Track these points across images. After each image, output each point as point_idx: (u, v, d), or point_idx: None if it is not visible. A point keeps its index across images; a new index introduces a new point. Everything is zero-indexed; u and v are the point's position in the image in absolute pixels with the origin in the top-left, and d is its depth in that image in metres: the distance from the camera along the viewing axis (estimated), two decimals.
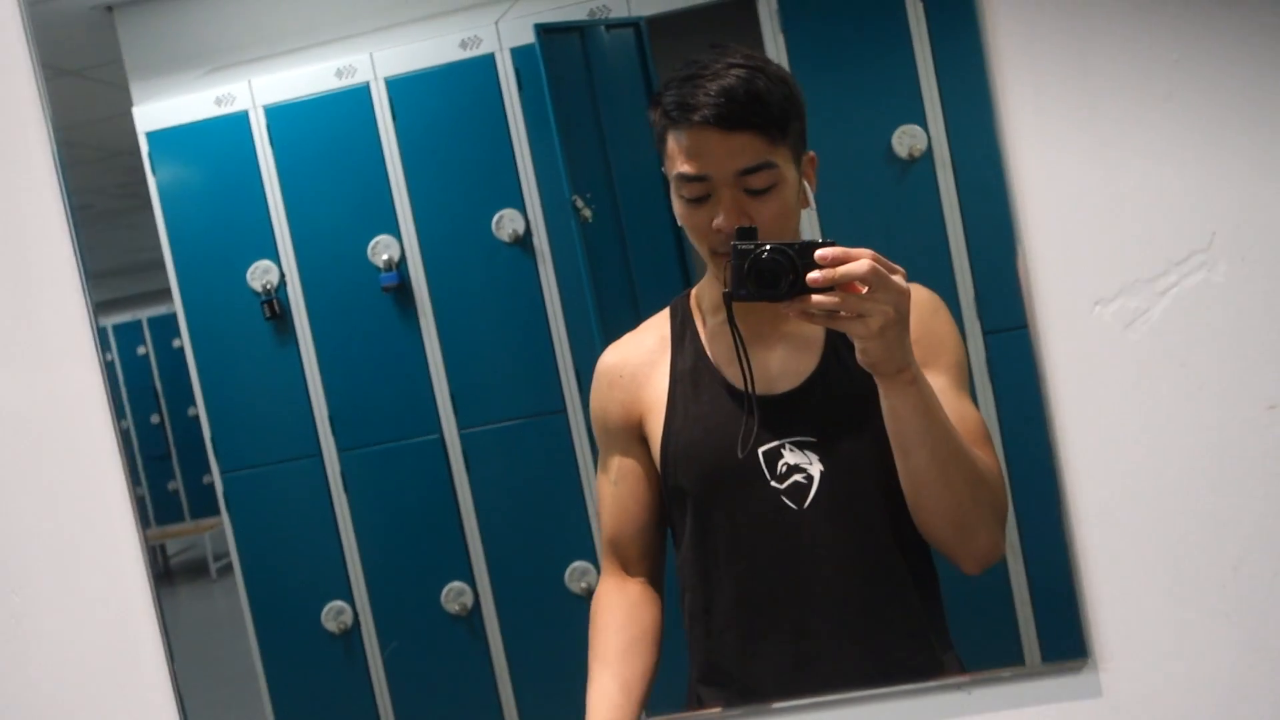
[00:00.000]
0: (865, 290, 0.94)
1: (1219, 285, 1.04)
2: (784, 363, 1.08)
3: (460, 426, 1.18)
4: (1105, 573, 1.07)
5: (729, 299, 0.99)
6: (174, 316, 1.20)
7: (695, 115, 1.00)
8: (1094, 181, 1.05)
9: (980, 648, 1.10)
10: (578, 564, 1.17)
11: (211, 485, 1.21)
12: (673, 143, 1.03)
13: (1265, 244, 1.04)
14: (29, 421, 1.18)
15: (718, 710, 1.11)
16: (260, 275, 1.18)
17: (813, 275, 0.94)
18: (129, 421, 1.19)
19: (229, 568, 1.22)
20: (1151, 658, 1.07)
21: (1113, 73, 1.04)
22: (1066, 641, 1.08)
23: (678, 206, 1.06)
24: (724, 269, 0.99)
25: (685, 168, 1.03)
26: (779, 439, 1.06)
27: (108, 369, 1.16)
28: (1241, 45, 1.03)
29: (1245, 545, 1.06)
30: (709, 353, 1.10)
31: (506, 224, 1.16)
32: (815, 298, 0.94)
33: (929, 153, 1.10)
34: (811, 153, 1.06)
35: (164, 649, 1.17)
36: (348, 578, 1.20)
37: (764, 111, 1.01)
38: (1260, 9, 1.02)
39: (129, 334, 1.26)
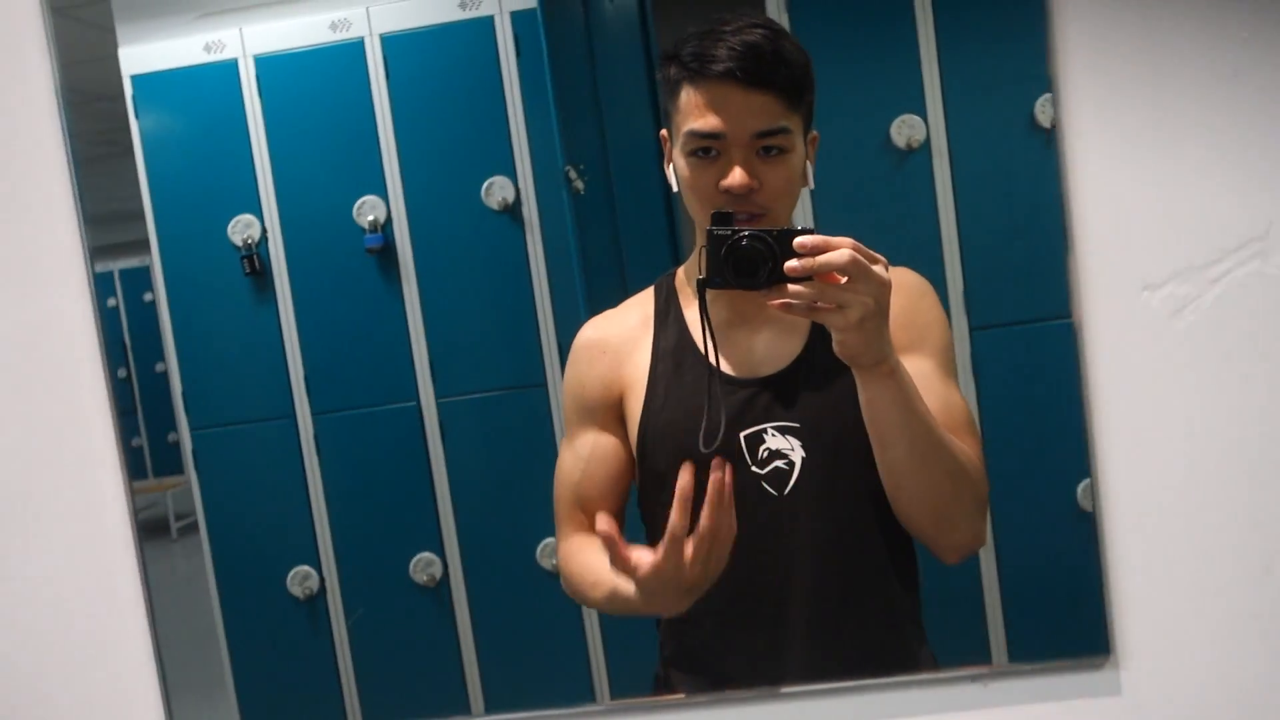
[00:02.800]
0: (845, 280, 0.93)
1: (1272, 276, 1.02)
2: (769, 345, 1.07)
3: (438, 395, 1.16)
4: (1132, 568, 1.06)
5: (703, 285, 0.98)
6: (146, 269, 1.17)
7: (718, 67, 0.99)
8: (1151, 161, 1.02)
9: (949, 643, 1.10)
10: (550, 540, 1.15)
11: (176, 444, 1.18)
12: (687, 96, 1.02)
13: None
14: (18, 366, 1.16)
15: (683, 696, 1.10)
16: (242, 230, 1.16)
17: (791, 264, 0.93)
18: None
19: (190, 528, 1.19)
20: (1175, 657, 1.06)
21: (1176, 47, 1.01)
22: (1036, 641, 1.08)
23: (682, 166, 1.04)
24: (700, 256, 0.98)
25: (700, 123, 1.01)
26: (762, 423, 1.05)
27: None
28: None
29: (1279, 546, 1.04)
30: (693, 333, 1.09)
31: (496, 191, 1.14)
32: (792, 288, 0.93)
33: (927, 144, 1.09)
34: (815, 132, 1.05)
35: (145, 604, 1.16)
36: (315, 543, 1.18)
37: (786, 73, 1.01)
38: None
39: (100, 285, 1.23)
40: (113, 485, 1.16)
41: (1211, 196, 1.02)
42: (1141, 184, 1.03)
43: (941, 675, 1.07)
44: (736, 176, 1.00)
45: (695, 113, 1.01)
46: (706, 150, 1.02)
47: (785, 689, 1.09)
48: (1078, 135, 1.03)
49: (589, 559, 1.10)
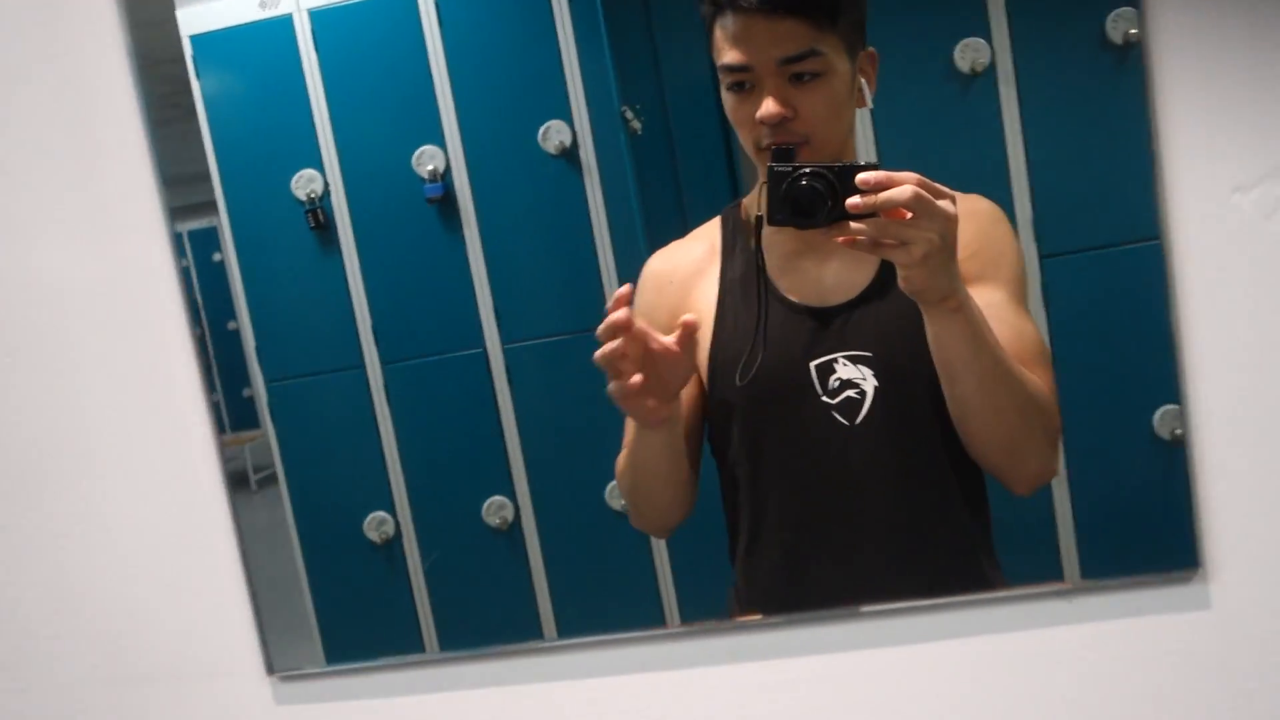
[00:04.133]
0: (909, 216, 0.91)
1: None
2: (839, 274, 1.07)
3: (503, 341, 1.17)
4: (1222, 479, 1.03)
5: (760, 224, 0.98)
6: (213, 230, 1.19)
7: (741, 1, 0.99)
8: (1238, 58, 0.98)
9: (1021, 570, 1.10)
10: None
11: (250, 399, 1.21)
12: (719, 31, 1.02)
13: None
14: (111, 327, 1.21)
15: (761, 618, 1.11)
16: (305, 184, 1.17)
17: (852, 201, 0.93)
18: None
19: (269, 480, 1.23)
20: (1266, 571, 1.04)
21: None
22: (1109, 566, 1.07)
23: (725, 101, 1.04)
24: (760, 189, 0.98)
25: (729, 56, 1.02)
26: (833, 353, 1.05)
27: None
28: None
29: None
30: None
31: (553, 135, 1.13)
32: (854, 225, 0.92)
33: (992, 68, 1.06)
34: (871, 49, 1.03)
35: (238, 551, 1.22)
36: (390, 489, 1.21)
37: None
38: None
39: None
40: (202, 438, 1.21)
41: None
42: (1228, 85, 0.98)
43: (1026, 591, 1.07)
44: (768, 107, 1.00)
45: (724, 47, 1.02)
46: (741, 84, 1.02)
47: (865, 608, 1.09)
48: (1162, 36, 0.99)
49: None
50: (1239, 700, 1.05)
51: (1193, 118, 0.99)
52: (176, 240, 1.20)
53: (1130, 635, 1.06)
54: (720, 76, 1.04)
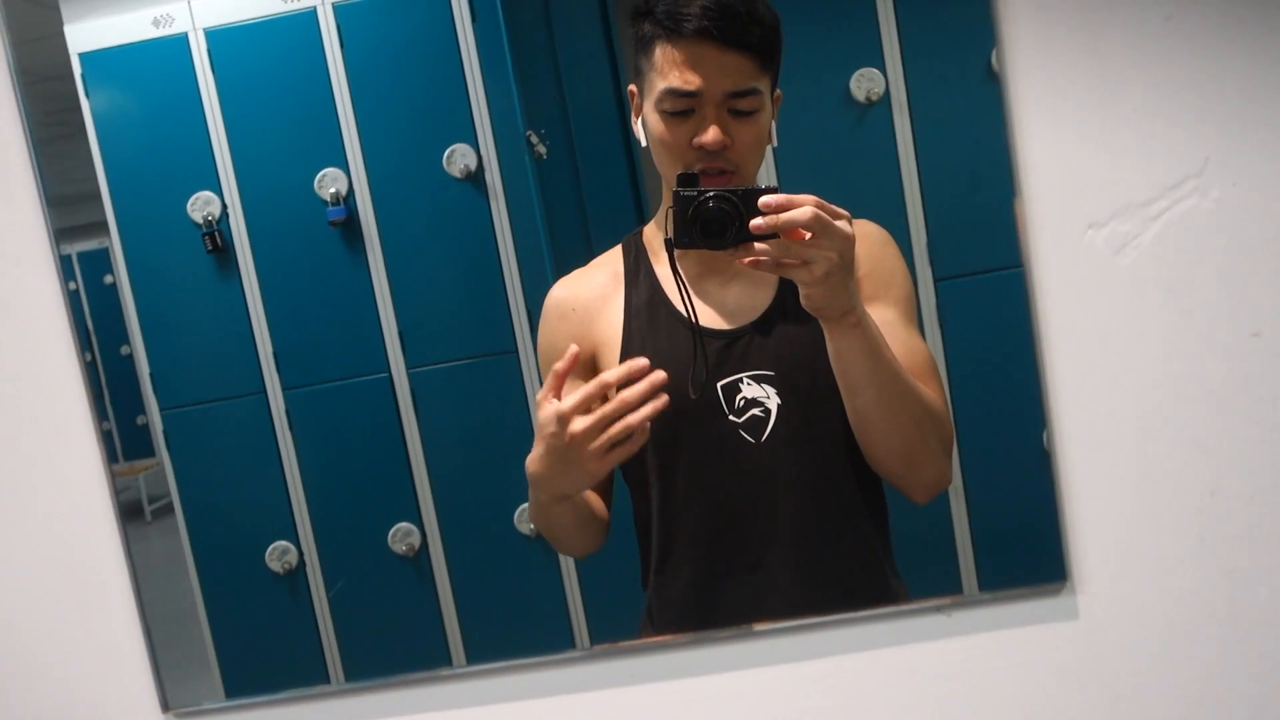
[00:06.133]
0: (809, 236, 0.95)
1: (1210, 211, 1.06)
2: (741, 297, 1.09)
3: (408, 365, 1.16)
4: (1085, 496, 1.09)
5: (671, 245, 1.00)
6: (105, 251, 1.15)
7: (693, 25, 1.01)
8: (1092, 103, 1.05)
9: (921, 580, 1.13)
10: (527, 506, 1.16)
11: (145, 427, 1.18)
12: (662, 55, 1.03)
13: (1257, 169, 1.05)
14: None
15: (669, 637, 1.12)
16: (201, 207, 1.15)
17: (756, 222, 0.96)
18: None
19: (165, 510, 1.19)
20: (1128, 581, 1.10)
21: None
22: (1004, 574, 1.11)
23: (655, 122, 1.05)
24: (666, 216, 0.99)
25: (679, 82, 1.02)
26: (737, 373, 1.07)
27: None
28: None
29: (1223, 470, 1.08)
30: (665, 288, 1.10)
31: (458, 159, 1.13)
32: (759, 245, 0.96)
33: (886, 97, 1.10)
34: (780, 91, 1.07)
35: (132, 585, 1.18)
36: (293, 518, 1.18)
37: (760, 34, 1.03)
38: None
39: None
40: (91, 469, 1.17)
41: (1151, 135, 1.05)
42: (1084, 126, 1.05)
43: (906, 608, 1.10)
44: (712, 134, 1.02)
45: (674, 71, 1.03)
46: (681, 110, 1.03)
47: (758, 627, 1.11)
48: (1021, 80, 1.05)
49: None
50: (1106, 704, 1.11)
51: (1050, 156, 1.06)
52: (65, 262, 1.16)
53: (1006, 646, 1.12)
54: (657, 98, 1.04)
